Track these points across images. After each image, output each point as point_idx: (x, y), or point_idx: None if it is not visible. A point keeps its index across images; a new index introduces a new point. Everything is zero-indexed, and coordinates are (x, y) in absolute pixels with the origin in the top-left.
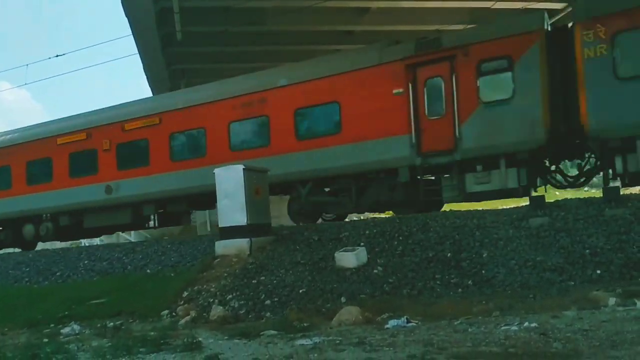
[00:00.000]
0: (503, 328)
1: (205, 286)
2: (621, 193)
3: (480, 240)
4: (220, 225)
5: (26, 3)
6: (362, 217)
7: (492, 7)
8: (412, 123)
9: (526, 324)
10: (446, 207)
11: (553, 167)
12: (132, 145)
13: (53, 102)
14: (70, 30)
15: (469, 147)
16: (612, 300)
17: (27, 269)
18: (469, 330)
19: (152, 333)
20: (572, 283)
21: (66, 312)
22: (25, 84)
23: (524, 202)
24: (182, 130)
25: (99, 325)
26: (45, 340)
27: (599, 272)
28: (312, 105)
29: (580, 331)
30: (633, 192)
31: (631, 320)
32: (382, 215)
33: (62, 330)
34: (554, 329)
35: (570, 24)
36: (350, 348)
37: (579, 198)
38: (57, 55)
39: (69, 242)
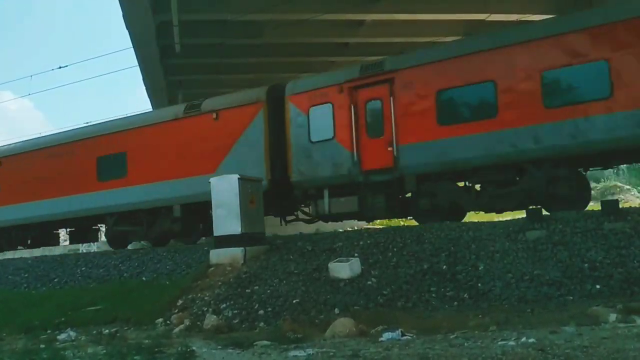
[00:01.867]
0: (500, 343)
1: (199, 295)
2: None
3: (476, 253)
4: (214, 234)
5: (30, 15)
6: (355, 228)
7: (487, 19)
8: None
9: (524, 339)
10: None
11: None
12: None
13: (54, 112)
14: (73, 43)
15: None
16: (612, 316)
17: (26, 275)
18: (465, 344)
19: (147, 341)
20: (571, 298)
21: (63, 318)
22: (29, 94)
23: (521, 214)
24: None
25: (94, 331)
26: (42, 346)
27: (598, 287)
28: None
29: (579, 348)
30: (632, 205)
31: (633, 337)
32: (377, 226)
33: (58, 337)
34: (552, 344)
35: None
36: None
37: (577, 211)
38: (60, 67)
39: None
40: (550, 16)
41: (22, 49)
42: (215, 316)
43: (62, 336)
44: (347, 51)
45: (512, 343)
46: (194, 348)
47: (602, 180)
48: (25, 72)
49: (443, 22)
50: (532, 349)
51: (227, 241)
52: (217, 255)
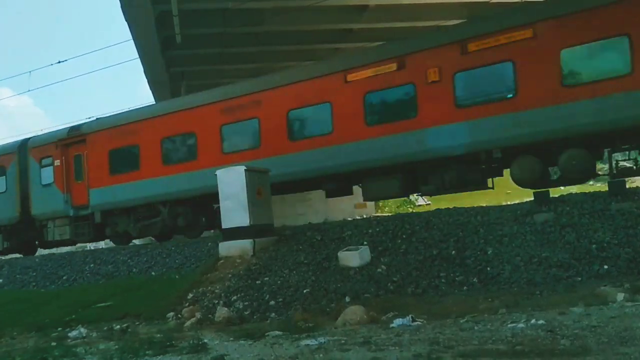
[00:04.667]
0: (510, 326)
1: (209, 288)
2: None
3: (485, 237)
4: (223, 227)
5: (27, 10)
6: (364, 216)
7: (491, 1)
8: None
9: (533, 321)
10: (449, 204)
11: None
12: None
13: (54, 108)
14: (71, 36)
15: None
16: (620, 296)
17: (34, 274)
18: (475, 328)
19: (158, 335)
20: (579, 279)
21: (73, 316)
22: (29, 90)
23: (528, 197)
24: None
25: (105, 328)
26: (53, 344)
27: (606, 267)
28: None
29: (588, 328)
30: (639, 186)
31: None
32: (385, 214)
33: (69, 334)
34: (561, 325)
35: None
36: (355, 348)
37: (584, 192)
38: (59, 62)
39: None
40: None
41: (20, 44)
42: (226, 308)
43: (73, 333)
44: (351, 37)
45: (521, 325)
46: (205, 341)
47: None
48: (24, 68)
49: (446, 5)
50: (542, 331)
51: (236, 233)
52: (226, 248)
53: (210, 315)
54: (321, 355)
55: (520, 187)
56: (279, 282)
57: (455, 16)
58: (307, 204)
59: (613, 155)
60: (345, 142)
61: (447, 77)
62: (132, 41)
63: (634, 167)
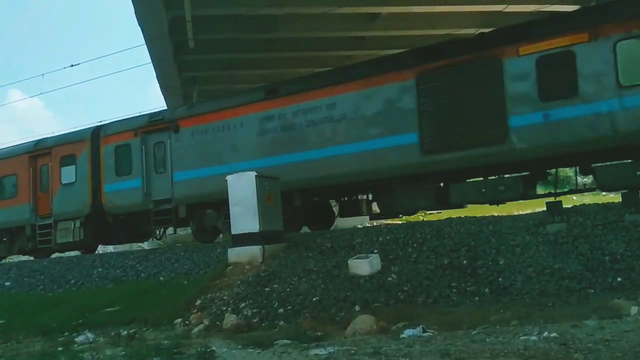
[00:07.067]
0: (522, 338)
1: (218, 294)
2: None
3: (497, 247)
4: (232, 233)
5: (39, 13)
6: (374, 224)
7: (504, 10)
8: None
9: (546, 333)
10: (461, 213)
11: None
12: None
13: (65, 111)
14: (85, 40)
15: None
16: (634, 309)
17: (42, 277)
18: (487, 340)
19: (166, 342)
20: (592, 291)
21: (80, 320)
22: (41, 93)
23: (541, 207)
24: None
25: (112, 333)
26: (60, 348)
27: (619, 279)
28: None
29: (602, 341)
30: None
31: None
32: (396, 222)
33: (76, 339)
34: (574, 339)
35: None
36: (365, 358)
37: (597, 203)
38: (71, 65)
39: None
40: (571, 6)
41: (33, 48)
42: (234, 315)
43: (79, 338)
44: (362, 44)
45: (534, 338)
46: (213, 348)
47: None
48: (37, 71)
49: (459, 14)
50: (555, 344)
51: (245, 239)
52: (236, 254)
53: (218, 322)
54: None
55: None
56: (288, 289)
57: (469, 25)
58: None
59: None
60: None
61: None
62: (144, 46)
63: None
